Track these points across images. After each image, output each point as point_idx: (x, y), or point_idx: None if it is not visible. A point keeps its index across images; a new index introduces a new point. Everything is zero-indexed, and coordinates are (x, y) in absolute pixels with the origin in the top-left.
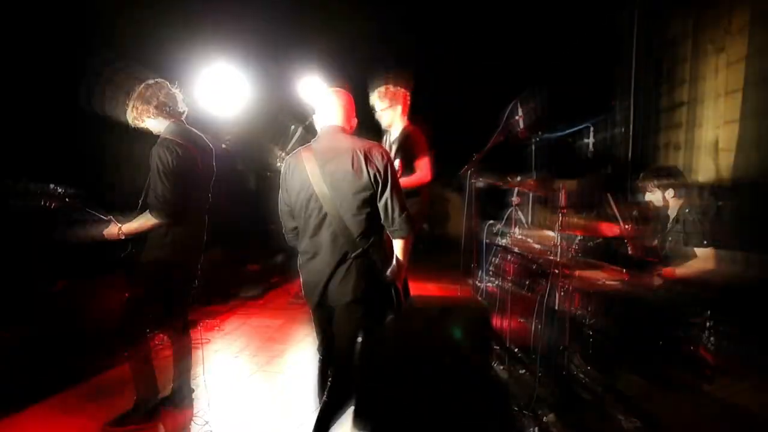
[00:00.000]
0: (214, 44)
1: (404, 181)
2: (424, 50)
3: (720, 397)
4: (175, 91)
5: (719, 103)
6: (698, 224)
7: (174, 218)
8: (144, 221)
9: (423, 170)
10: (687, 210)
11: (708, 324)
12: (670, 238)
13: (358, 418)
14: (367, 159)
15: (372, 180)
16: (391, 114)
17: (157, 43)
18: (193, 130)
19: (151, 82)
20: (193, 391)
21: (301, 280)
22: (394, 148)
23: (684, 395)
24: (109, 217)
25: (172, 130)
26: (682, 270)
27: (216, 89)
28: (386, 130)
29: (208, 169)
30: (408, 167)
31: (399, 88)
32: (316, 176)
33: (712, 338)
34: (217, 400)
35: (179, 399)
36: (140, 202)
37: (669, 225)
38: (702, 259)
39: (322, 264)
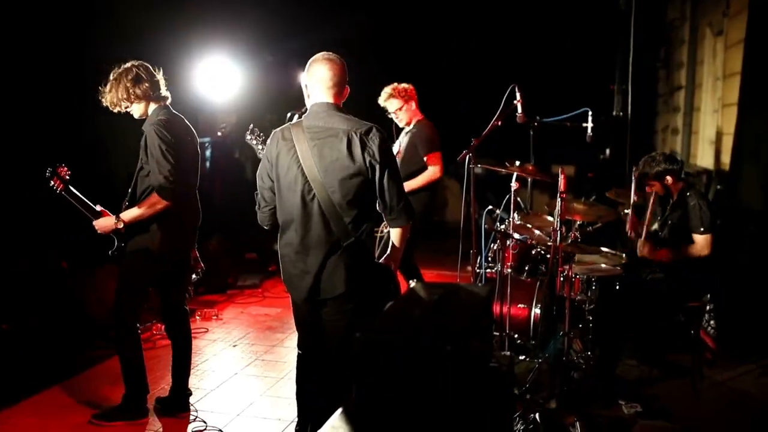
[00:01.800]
0: (211, 31)
1: (416, 181)
2: (424, 33)
3: (721, 380)
4: (158, 74)
5: (718, 86)
6: (698, 209)
7: (177, 200)
8: (149, 206)
9: (435, 166)
10: (688, 194)
11: (708, 308)
12: (669, 222)
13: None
14: (363, 142)
15: (368, 164)
16: (407, 111)
17: (154, 32)
18: (179, 115)
19: (136, 63)
20: (190, 394)
21: (284, 272)
22: (406, 140)
23: (685, 379)
24: (100, 208)
25: (161, 113)
26: (675, 255)
27: (212, 77)
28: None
29: (196, 154)
30: (417, 161)
31: (404, 83)
32: (307, 158)
33: (712, 322)
34: (214, 389)
35: (174, 402)
36: (129, 191)
37: (668, 209)
38: (698, 245)
39: (311, 254)
